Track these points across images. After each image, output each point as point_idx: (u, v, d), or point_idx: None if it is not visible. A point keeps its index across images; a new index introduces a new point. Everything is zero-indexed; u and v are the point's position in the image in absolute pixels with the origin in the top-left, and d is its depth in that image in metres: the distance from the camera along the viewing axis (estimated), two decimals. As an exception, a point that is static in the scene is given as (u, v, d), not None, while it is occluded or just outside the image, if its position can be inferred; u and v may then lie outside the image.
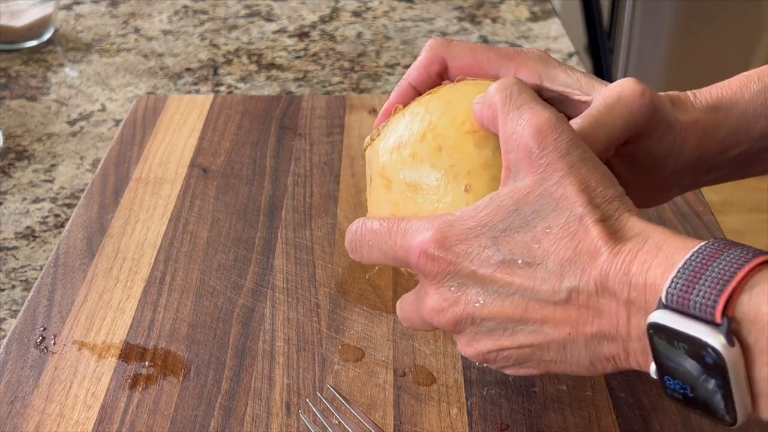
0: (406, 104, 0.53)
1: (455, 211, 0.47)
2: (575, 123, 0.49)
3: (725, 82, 0.55)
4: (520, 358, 0.44)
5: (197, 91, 0.92)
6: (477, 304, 0.43)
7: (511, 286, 0.42)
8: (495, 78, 0.53)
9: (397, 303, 0.49)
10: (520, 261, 0.42)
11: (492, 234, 0.43)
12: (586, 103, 0.52)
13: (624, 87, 0.50)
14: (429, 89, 0.53)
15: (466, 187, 0.48)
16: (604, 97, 0.50)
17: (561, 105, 0.54)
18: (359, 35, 1.04)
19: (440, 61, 0.54)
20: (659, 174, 0.54)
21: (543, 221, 0.42)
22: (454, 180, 0.48)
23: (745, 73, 0.55)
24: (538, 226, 0.42)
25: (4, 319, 0.61)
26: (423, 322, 0.47)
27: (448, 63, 0.54)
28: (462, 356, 0.54)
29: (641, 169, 0.53)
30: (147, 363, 0.54)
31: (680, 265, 0.38)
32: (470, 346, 0.45)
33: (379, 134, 0.53)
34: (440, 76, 0.54)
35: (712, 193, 0.83)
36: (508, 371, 0.46)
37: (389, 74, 0.95)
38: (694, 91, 0.55)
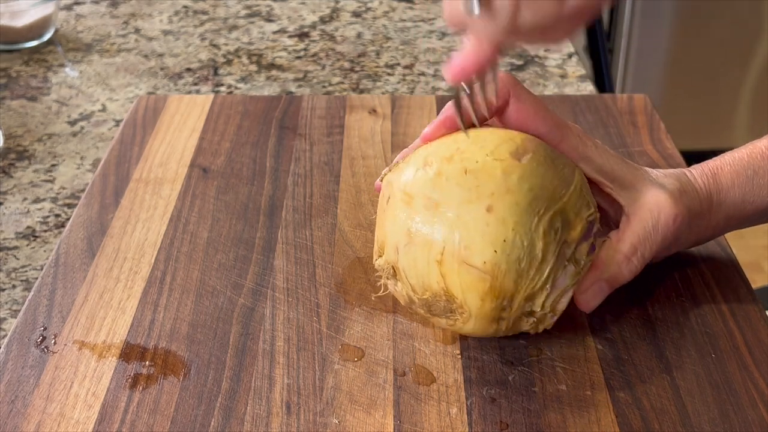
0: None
1: (478, 236, 0.48)
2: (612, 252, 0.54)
3: (721, 164, 0.59)
4: None
5: (197, 91, 0.92)
6: None
7: None
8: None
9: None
10: None
11: None
12: (615, 201, 0.56)
13: (661, 212, 0.54)
14: (486, 118, 0.55)
15: (488, 207, 0.48)
16: (640, 221, 0.54)
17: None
18: (359, 35, 1.04)
19: (506, 97, 0.55)
20: (661, 253, 0.58)
21: None
22: (477, 200, 0.49)
23: (737, 154, 0.59)
24: None
25: (5, 318, 0.61)
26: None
27: (511, 101, 0.55)
28: (462, 356, 0.54)
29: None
30: (147, 363, 0.54)
31: None
32: None
33: (398, 165, 0.54)
34: (499, 112, 0.55)
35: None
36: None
37: (389, 74, 0.95)
38: (696, 175, 0.58)
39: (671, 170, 0.59)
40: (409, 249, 0.50)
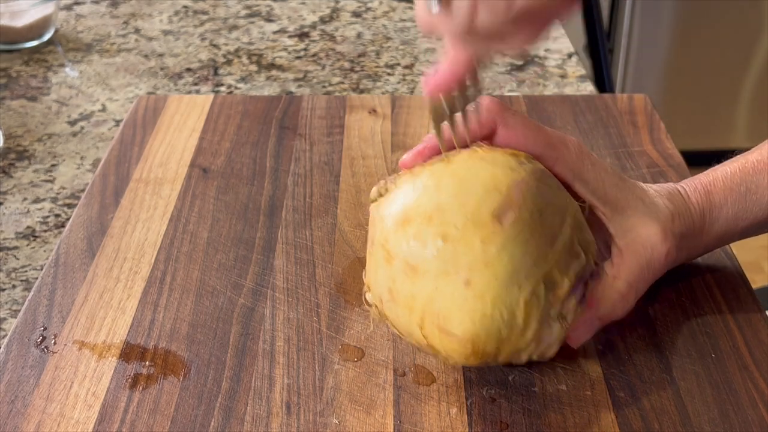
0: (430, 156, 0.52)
1: (456, 308, 0.47)
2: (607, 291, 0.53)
3: (713, 179, 0.59)
4: None
5: (197, 91, 0.92)
6: None
7: None
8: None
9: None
10: None
11: None
12: (604, 219, 0.54)
13: (653, 249, 0.54)
14: (468, 144, 0.53)
15: (466, 281, 0.47)
16: (634, 257, 0.53)
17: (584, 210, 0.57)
18: (359, 35, 1.04)
19: (492, 126, 0.53)
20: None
21: None
22: (455, 273, 0.47)
23: (729, 169, 0.59)
24: None
25: (5, 318, 0.61)
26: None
27: (499, 129, 0.53)
28: (462, 356, 0.54)
29: None
30: (147, 363, 0.54)
31: None
32: None
33: (387, 191, 0.52)
34: (487, 138, 0.54)
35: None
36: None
37: (389, 74, 0.95)
38: (689, 192, 0.58)
39: (665, 187, 0.58)
40: (392, 306, 0.50)
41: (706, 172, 0.60)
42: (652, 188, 0.57)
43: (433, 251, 0.48)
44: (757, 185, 0.57)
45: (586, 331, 0.53)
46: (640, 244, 0.54)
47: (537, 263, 0.47)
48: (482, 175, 0.49)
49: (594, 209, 0.54)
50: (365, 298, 0.53)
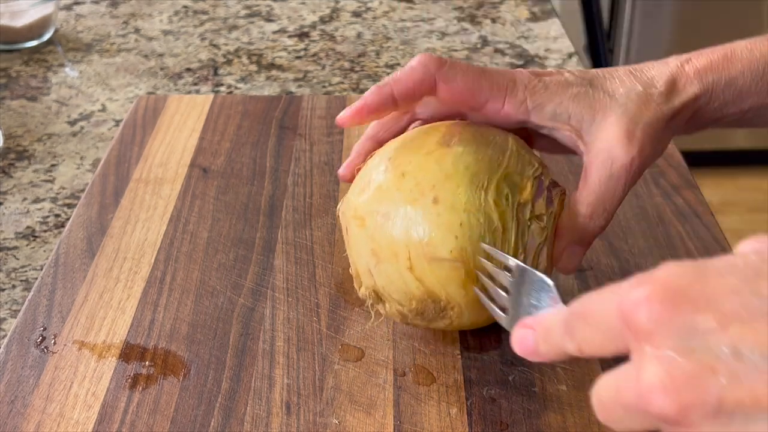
0: (378, 141, 0.56)
1: (435, 228, 0.48)
2: (575, 213, 0.51)
3: (712, 57, 0.53)
4: None
5: (197, 91, 0.92)
6: (728, 380, 0.29)
7: None
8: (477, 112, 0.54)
9: (594, 390, 0.35)
10: None
11: (742, 277, 0.31)
12: (573, 136, 0.53)
13: (615, 161, 0.50)
14: (411, 102, 0.55)
15: (434, 199, 0.49)
16: (598, 174, 0.51)
17: (548, 139, 0.55)
18: (359, 35, 1.04)
19: (431, 83, 0.53)
20: None
21: None
22: (422, 197, 0.49)
23: (730, 49, 0.53)
24: None
25: (5, 319, 0.61)
26: (630, 412, 0.33)
27: (439, 85, 0.53)
28: (462, 356, 0.54)
29: None
30: (147, 363, 0.54)
31: None
32: None
33: (345, 196, 0.55)
34: (417, 99, 0.54)
35: (712, 193, 0.84)
36: None
37: (389, 74, 0.95)
38: (684, 65, 0.53)
39: (656, 65, 0.54)
40: (380, 268, 0.50)
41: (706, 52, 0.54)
42: (626, 72, 0.53)
43: (396, 188, 0.50)
44: (747, 73, 0.52)
45: (570, 258, 0.52)
46: (600, 158, 0.51)
47: (492, 168, 0.50)
48: (420, 130, 0.54)
49: (562, 132, 0.53)
50: (360, 296, 0.53)
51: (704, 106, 0.53)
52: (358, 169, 0.55)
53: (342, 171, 0.57)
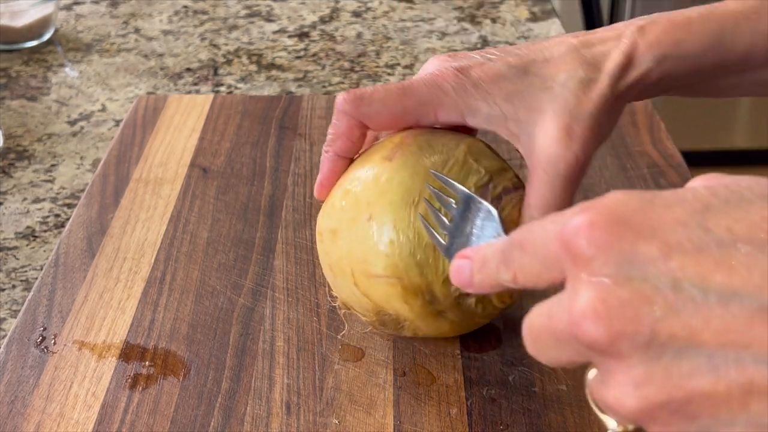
0: (339, 175, 0.54)
1: (369, 246, 0.48)
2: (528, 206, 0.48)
3: (668, 27, 0.49)
4: None
5: (197, 91, 0.92)
6: (664, 311, 0.28)
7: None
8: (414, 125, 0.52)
9: (526, 320, 0.33)
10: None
11: (690, 209, 0.29)
12: (512, 139, 0.50)
13: (557, 162, 0.48)
14: (358, 148, 0.54)
15: (369, 217, 0.49)
16: (538, 178, 0.48)
17: (485, 136, 0.54)
18: (359, 35, 1.04)
19: (359, 125, 0.52)
20: None
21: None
22: (359, 214, 0.50)
23: (686, 18, 0.50)
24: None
25: (5, 319, 0.61)
26: (560, 340, 0.31)
27: (366, 123, 0.52)
28: (462, 356, 0.54)
29: None
30: (147, 363, 0.54)
31: None
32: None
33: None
34: (364, 137, 0.53)
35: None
36: None
37: (389, 74, 0.95)
38: (639, 39, 0.49)
39: (599, 41, 0.50)
40: (337, 282, 0.52)
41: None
42: (575, 51, 0.50)
43: (339, 206, 0.51)
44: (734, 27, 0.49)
45: None
46: (543, 160, 0.48)
47: (428, 181, 0.49)
48: (381, 144, 0.53)
49: (502, 136, 0.51)
50: (337, 306, 0.55)
51: (655, 79, 0.50)
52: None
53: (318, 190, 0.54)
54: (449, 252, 0.46)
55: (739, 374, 0.27)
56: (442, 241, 0.47)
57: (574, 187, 0.49)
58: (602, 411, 0.32)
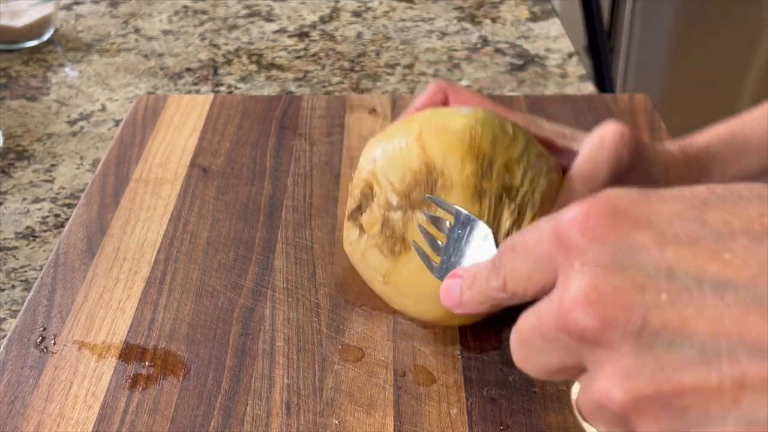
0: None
1: (448, 116, 0.53)
2: (569, 182, 0.53)
3: (698, 134, 0.59)
4: None
5: (197, 91, 0.92)
6: (657, 300, 0.27)
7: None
8: None
9: (514, 328, 0.33)
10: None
11: (688, 204, 0.29)
12: (571, 151, 0.56)
13: (606, 131, 0.54)
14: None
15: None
16: (589, 145, 0.54)
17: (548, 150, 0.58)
18: (359, 35, 1.04)
19: (444, 94, 0.59)
20: None
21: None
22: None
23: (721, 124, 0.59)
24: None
25: (4, 319, 0.61)
26: (549, 339, 0.31)
27: (450, 96, 0.59)
28: (462, 356, 0.54)
29: None
30: (147, 363, 0.54)
31: None
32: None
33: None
34: (443, 103, 0.59)
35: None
36: None
37: (389, 74, 0.95)
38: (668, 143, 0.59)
39: None
40: (388, 144, 0.54)
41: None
42: None
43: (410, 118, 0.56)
44: (750, 131, 0.57)
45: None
46: (594, 134, 0.54)
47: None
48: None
49: (556, 143, 0.56)
50: (347, 216, 0.56)
51: (709, 159, 0.57)
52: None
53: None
54: (441, 273, 0.45)
55: (732, 367, 0.26)
56: (434, 264, 0.47)
57: (616, 163, 0.53)
58: (587, 421, 0.31)
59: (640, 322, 0.27)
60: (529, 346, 0.32)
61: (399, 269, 0.53)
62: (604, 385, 0.28)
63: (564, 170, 0.55)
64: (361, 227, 0.54)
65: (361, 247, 0.54)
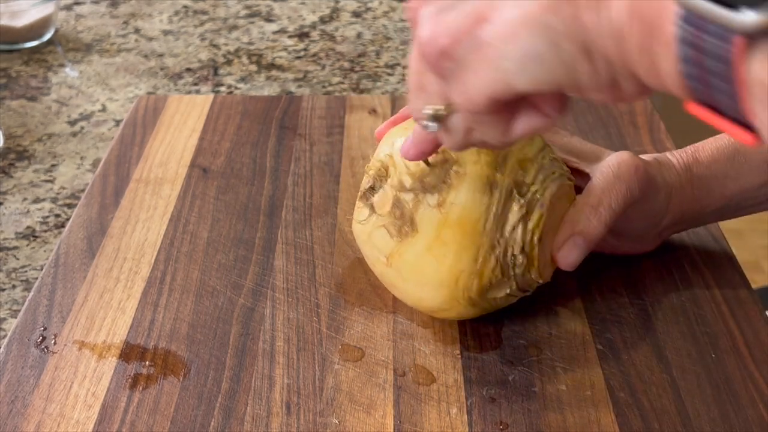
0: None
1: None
2: (580, 206, 0.55)
3: (701, 144, 0.61)
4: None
5: (197, 91, 0.92)
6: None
7: None
8: None
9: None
10: None
11: None
12: (581, 172, 0.57)
13: (621, 164, 0.56)
14: None
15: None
16: (603, 176, 0.56)
17: None
18: (359, 35, 1.04)
19: None
20: (650, 230, 0.60)
21: None
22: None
23: (719, 137, 0.60)
24: None
25: (5, 319, 0.61)
26: (421, 71, 0.43)
27: None
28: (462, 356, 0.54)
29: (635, 226, 0.59)
30: (147, 363, 0.54)
31: None
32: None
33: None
34: None
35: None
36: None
37: (389, 74, 0.95)
38: (672, 153, 0.61)
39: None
40: (408, 133, 0.53)
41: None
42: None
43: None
44: (747, 150, 0.59)
45: (570, 249, 0.54)
46: (608, 164, 0.56)
47: None
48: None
49: (569, 163, 0.58)
50: (360, 196, 0.56)
51: (711, 177, 0.60)
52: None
53: (381, 128, 0.59)
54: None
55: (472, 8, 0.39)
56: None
57: (628, 194, 0.56)
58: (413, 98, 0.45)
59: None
60: (414, 86, 0.44)
61: (403, 252, 0.53)
62: (425, 29, 0.41)
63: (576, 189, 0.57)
64: (372, 207, 0.54)
65: (368, 227, 0.54)
